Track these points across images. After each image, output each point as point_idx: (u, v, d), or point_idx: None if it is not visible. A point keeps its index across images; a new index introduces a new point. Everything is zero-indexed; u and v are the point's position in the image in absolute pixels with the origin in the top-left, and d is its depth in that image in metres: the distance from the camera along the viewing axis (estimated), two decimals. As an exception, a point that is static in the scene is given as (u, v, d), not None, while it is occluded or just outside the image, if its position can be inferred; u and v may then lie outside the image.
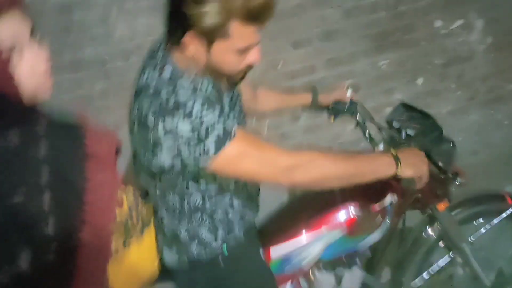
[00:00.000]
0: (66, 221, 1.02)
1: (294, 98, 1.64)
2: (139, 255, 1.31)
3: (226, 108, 1.21)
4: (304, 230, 1.46)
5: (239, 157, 1.03)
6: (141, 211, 1.34)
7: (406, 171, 1.19)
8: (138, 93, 1.08)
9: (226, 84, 1.17)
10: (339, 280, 1.56)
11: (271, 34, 2.35)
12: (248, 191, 1.32)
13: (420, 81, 2.72)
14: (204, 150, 1.00)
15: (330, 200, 1.49)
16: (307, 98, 1.61)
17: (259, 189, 1.41)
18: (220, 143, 1.01)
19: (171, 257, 1.30)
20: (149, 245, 1.34)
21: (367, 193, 1.48)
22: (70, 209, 1.02)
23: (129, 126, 1.13)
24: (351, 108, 1.55)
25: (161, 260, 1.33)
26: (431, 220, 1.61)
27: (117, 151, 1.05)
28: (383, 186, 1.52)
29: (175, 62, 1.09)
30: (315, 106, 1.61)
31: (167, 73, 1.08)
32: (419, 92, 2.74)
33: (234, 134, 1.03)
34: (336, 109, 1.58)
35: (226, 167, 1.05)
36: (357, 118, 1.55)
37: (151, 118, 1.02)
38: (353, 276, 1.58)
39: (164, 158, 1.04)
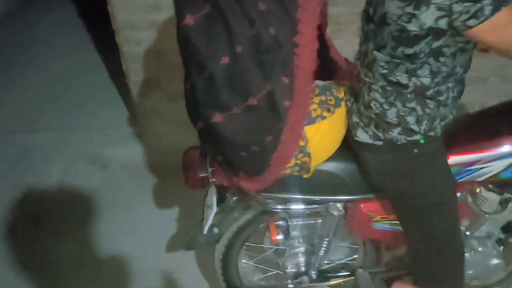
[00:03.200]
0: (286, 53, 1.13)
1: None
2: (330, 129, 1.39)
3: None
4: (491, 145, 1.43)
5: (508, 25, 1.01)
6: (335, 91, 1.40)
7: None
8: None
9: None
10: (504, 204, 1.54)
11: None
12: (459, 90, 1.30)
13: None
14: (478, 10, 0.99)
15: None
16: None
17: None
18: (495, 7, 0.98)
19: (365, 136, 1.34)
20: (339, 123, 1.41)
21: None
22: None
23: None
24: None
25: (353, 136, 1.38)
26: None
27: None
28: None
29: None
30: None
31: None
32: None
33: (509, 2, 0.99)
34: None
35: (490, 33, 1.03)
36: None
37: None
38: (521, 206, 1.55)
39: (426, 18, 1.04)
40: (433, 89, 1.22)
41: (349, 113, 1.40)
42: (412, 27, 1.08)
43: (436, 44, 1.13)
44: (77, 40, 3.92)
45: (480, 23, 1.01)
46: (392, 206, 1.45)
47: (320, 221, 1.62)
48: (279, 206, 1.51)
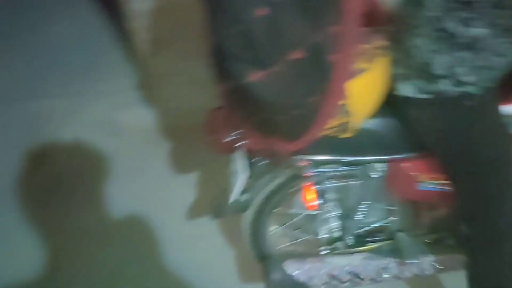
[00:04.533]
0: None
1: None
2: (371, 83, 1.24)
3: None
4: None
5: None
6: (373, 39, 1.25)
7: None
8: None
9: None
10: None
11: None
12: None
13: None
14: None
15: None
16: None
17: None
18: None
19: (409, 89, 1.20)
20: (380, 75, 1.26)
21: None
22: None
23: None
24: None
25: (395, 89, 1.24)
26: None
27: None
28: None
29: None
30: None
31: None
32: None
33: None
34: None
35: None
36: None
37: None
38: None
39: None
40: (487, 41, 1.06)
41: (390, 63, 1.25)
42: None
43: None
44: (77, 1, 3.72)
45: None
46: (440, 165, 1.31)
47: (357, 182, 1.50)
48: (313, 169, 1.39)
